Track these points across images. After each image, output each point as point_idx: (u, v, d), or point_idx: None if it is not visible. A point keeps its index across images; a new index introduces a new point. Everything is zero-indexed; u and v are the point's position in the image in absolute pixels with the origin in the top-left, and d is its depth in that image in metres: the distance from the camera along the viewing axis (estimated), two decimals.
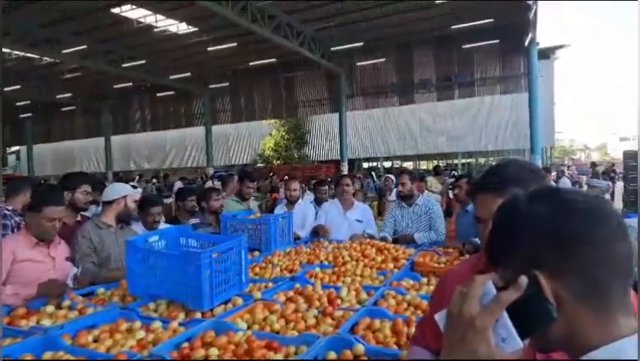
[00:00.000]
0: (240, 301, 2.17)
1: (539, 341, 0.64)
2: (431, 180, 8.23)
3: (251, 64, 18.54)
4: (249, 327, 1.90)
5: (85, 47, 15.17)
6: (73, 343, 1.73)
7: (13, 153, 29.60)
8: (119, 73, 17.71)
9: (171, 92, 22.00)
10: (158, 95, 22.65)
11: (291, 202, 4.39)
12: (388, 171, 14.62)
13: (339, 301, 2.20)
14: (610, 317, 0.61)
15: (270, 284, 2.46)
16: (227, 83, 20.75)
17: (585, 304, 0.62)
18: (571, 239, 0.61)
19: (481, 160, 20.84)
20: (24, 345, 1.67)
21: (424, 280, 2.57)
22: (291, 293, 2.31)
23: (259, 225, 3.43)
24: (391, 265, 2.86)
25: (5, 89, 19.98)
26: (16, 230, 3.35)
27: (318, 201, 4.74)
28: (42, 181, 15.45)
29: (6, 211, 3.49)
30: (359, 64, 17.96)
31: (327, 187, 5.11)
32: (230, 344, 1.69)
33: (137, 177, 16.07)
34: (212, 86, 20.94)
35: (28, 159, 27.67)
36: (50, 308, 2.12)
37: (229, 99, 21.44)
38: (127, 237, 2.90)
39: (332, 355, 1.58)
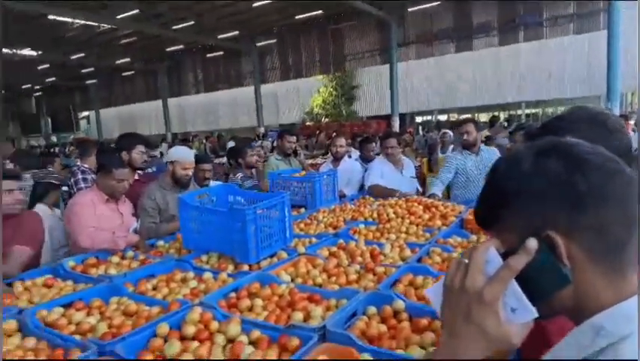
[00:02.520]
0: (284, 255, 2.25)
1: (541, 307, 0.59)
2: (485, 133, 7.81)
3: (297, 17, 18.12)
4: (292, 280, 1.98)
5: (137, 11, 15.57)
6: (134, 290, 1.91)
7: (84, 118, 31.73)
8: (170, 36, 18.14)
9: (220, 53, 22.24)
10: (208, 55, 23.01)
11: (337, 159, 4.38)
12: (441, 125, 13.95)
13: (381, 257, 2.22)
14: (622, 277, 0.58)
15: (314, 240, 2.52)
16: (274, 40, 20.56)
17: (599, 264, 0.57)
18: (587, 195, 0.56)
19: (549, 110, 19.29)
20: (93, 291, 1.86)
21: (474, 237, 2.50)
22: (334, 249, 2.36)
23: (304, 183, 3.49)
24: (439, 223, 2.81)
25: (71, 57, 21.27)
26: (90, 185, 3.72)
27: (365, 159, 4.70)
28: (109, 144, 16.62)
29: (84, 168, 3.87)
30: (411, 10, 16.93)
31: (374, 144, 5.01)
32: (274, 295, 1.78)
33: (191, 137, 16.79)
34: (259, 44, 20.85)
35: (97, 123, 29.62)
36: (116, 259, 2.34)
37: (277, 56, 21.30)
38: None
39: (372, 310, 1.61)
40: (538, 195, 0.59)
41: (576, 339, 0.57)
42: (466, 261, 0.61)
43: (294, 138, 4.64)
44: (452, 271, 0.62)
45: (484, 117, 19.75)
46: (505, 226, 0.62)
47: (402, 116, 18.55)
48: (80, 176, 3.76)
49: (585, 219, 0.56)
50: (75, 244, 2.56)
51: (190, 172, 3.11)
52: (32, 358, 1.36)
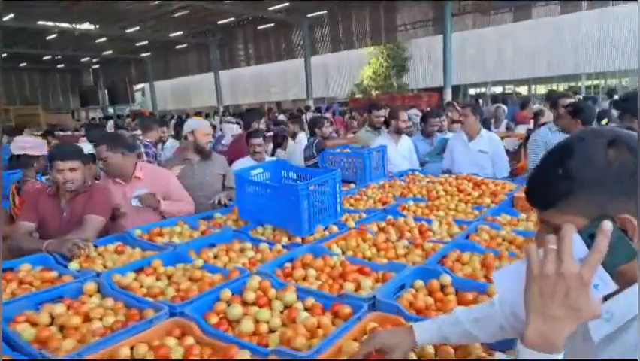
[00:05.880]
0: (335, 229, 2.34)
1: None
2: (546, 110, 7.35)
3: None
4: (342, 253, 2.07)
5: None
6: (197, 258, 2.06)
7: (139, 90, 33.15)
8: (221, 8, 18.34)
9: (271, 25, 22.24)
10: (259, 28, 23.09)
11: (399, 133, 4.20)
12: (499, 98, 13.27)
13: (430, 233, 2.25)
14: None
15: (363, 215, 2.58)
16: (325, 11, 20.24)
17: None
18: None
19: (613, 81, 17.77)
20: (161, 257, 2.03)
21: (523, 216, 2.46)
22: (383, 224, 2.41)
23: (354, 158, 3.53)
24: (488, 200, 2.78)
25: (126, 30, 22.11)
26: (153, 160, 3.95)
27: (427, 134, 4.60)
28: (164, 116, 17.39)
29: (146, 142, 4.12)
30: None
31: (438, 119, 4.73)
32: (326, 266, 1.87)
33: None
34: (310, 15, 20.61)
35: (152, 95, 30.91)
36: (178, 228, 2.52)
37: (327, 28, 21.02)
38: (208, 168, 3.23)
39: (419, 283, 1.67)
40: (615, 183, 0.67)
41: (629, 298, 0.68)
42: (553, 247, 0.65)
43: (382, 111, 4.51)
44: (537, 259, 0.66)
45: (541, 89, 18.58)
46: (571, 209, 0.69)
47: (454, 88, 17.83)
48: (142, 150, 4.00)
49: None
50: None
51: (210, 138, 3.30)
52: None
